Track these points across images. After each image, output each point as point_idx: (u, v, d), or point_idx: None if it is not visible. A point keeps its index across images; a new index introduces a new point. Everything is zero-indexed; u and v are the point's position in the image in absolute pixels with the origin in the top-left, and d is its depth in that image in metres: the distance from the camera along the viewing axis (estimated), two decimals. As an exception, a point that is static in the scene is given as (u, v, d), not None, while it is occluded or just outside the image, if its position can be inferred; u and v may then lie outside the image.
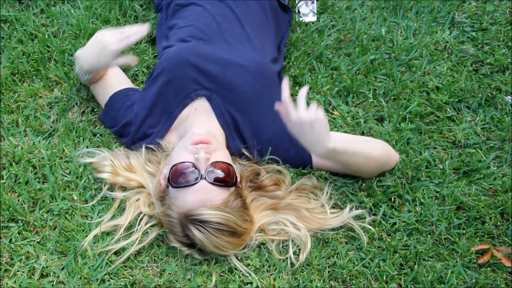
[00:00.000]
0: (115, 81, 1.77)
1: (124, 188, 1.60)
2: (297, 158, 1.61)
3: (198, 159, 1.41)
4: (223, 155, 1.48)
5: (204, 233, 1.35)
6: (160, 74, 1.64)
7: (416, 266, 1.47)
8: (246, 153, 1.62)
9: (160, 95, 1.64)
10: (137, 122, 1.65)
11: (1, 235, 1.53)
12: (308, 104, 1.36)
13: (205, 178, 1.39)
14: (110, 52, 1.57)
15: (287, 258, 1.49)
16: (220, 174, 1.41)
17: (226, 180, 1.42)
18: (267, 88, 1.63)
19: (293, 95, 1.88)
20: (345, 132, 1.76)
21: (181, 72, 1.62)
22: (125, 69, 1.89)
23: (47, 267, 1.48)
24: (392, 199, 1.61)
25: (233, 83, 1.62)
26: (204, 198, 1.38)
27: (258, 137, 1.61)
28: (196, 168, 1.40)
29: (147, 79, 1.72)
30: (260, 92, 1.62)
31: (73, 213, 1.58)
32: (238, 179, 1.51)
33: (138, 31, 1.57)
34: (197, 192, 1.39)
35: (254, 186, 1.56)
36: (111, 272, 1.46)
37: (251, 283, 1.45)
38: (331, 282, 1.46)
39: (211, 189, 1.39)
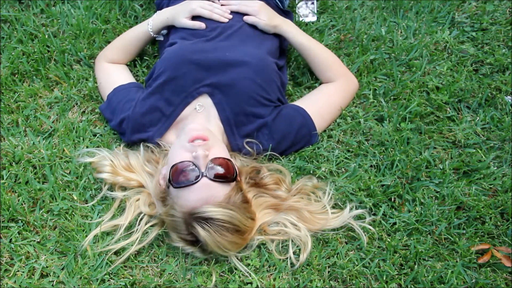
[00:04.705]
0: (122, 76, 1.82)
1: (124, 188, 1.60)
2: (300, 123, 1.66)
3: (197, 157, 1.41)
4: (221, 151, 1.49)
5: (208, 231, 1.35)
6: (161, 73, 1.65)
7: (416, 266, 1.47)
8: (247, 147, 1.62)
9: (161, 93, 1.64)
10: (135, 120, 1.65)
11: (1, 235, 1.53)
12: None
13: (206, 176, 1.39)
14: (188, 8, 1.76)
15: (287, 258, 1.49)
16: (220, 170, 1.41)
17: (227, 176, 1.42)
18: (268, 82, 1.64)
19: (293, 95, 1.88)
20: (345, 130, 1.76)
21: (182, 71, 1.63)
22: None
23: (47, 267, 1.48)
24: (392, 199, 1.61)
25: (234, 79, 1.62)
26: (206, 196, 1.38)
27: (260, 128, 1.62)
28: (195, 166, 1.40)
29: (148, 78, 1.72)
30: (261, 86, 1.62)
31: (73, 213, 1.58)
32: (238, 174, 1.51)
33: (220, 18, 1.76)
34: (199, 190, 1.39)
35: (253, 182, 1.57)
36: (111, 272, 1.47)
37: (251, 283, 1.45)
38: (331, 282, 1.46)
39: (213, 185, 1.39)
